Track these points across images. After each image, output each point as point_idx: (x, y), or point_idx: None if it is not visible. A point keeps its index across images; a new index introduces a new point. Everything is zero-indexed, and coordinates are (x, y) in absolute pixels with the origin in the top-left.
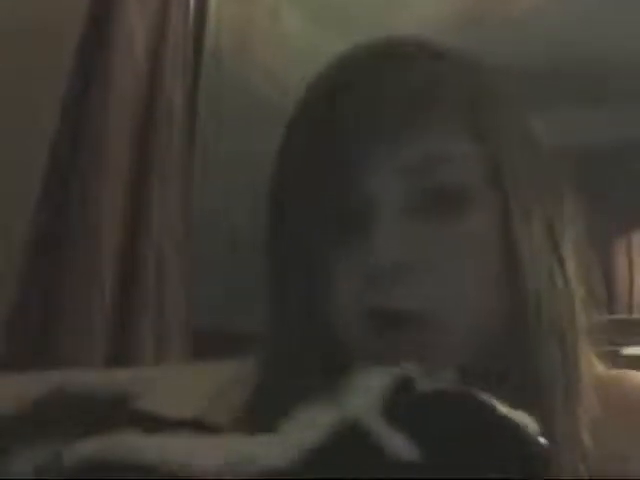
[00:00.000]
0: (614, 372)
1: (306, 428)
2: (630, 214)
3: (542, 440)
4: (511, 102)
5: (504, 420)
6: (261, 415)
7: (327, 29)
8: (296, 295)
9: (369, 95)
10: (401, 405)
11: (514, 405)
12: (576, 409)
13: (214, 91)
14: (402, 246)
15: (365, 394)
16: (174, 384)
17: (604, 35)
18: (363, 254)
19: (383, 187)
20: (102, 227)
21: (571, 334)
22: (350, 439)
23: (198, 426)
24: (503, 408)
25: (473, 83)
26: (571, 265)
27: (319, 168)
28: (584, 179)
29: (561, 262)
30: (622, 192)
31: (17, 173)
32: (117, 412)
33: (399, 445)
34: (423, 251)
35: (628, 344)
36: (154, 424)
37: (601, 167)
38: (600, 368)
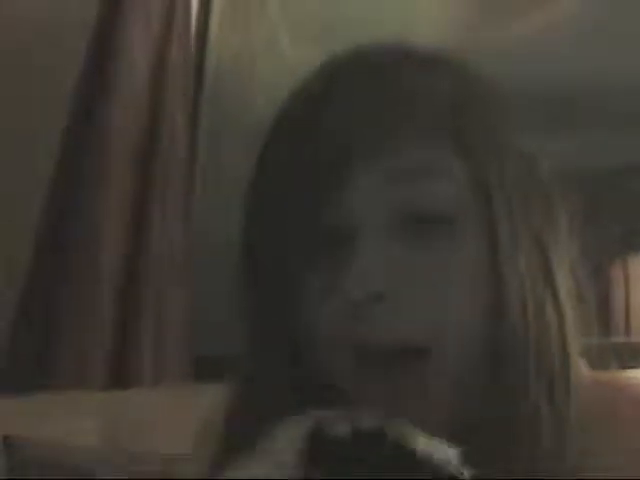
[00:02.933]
0: (604, 376)
1: None
2: (627, 236)
3: (459, 472)
4: (502, 115)
5: (417, 456)
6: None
7: (327, 49)
8: (271, 321)
9: (350, 106)
10: (316, 455)
11: (498, 442)
12: (565, 442)
13: (215, 114)
14: (384, 274)
15: (276, 456)
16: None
17: (602, 58)
18: (343, 281)
19: (364, 203)
20: (103, 246)
21: (562, 363)
22: None
23: None
24: (422, 442)
25: (460, 94)
26: (564, 289)
27: (296, 183)
28: (582, 201)
29: (553, 288)
30: (619, 214)
31: (16, 173)
32: None
33: None
34: (406, 279)
35: (625, 367)
36: None
37: (598, 189)
38: (585, 371)
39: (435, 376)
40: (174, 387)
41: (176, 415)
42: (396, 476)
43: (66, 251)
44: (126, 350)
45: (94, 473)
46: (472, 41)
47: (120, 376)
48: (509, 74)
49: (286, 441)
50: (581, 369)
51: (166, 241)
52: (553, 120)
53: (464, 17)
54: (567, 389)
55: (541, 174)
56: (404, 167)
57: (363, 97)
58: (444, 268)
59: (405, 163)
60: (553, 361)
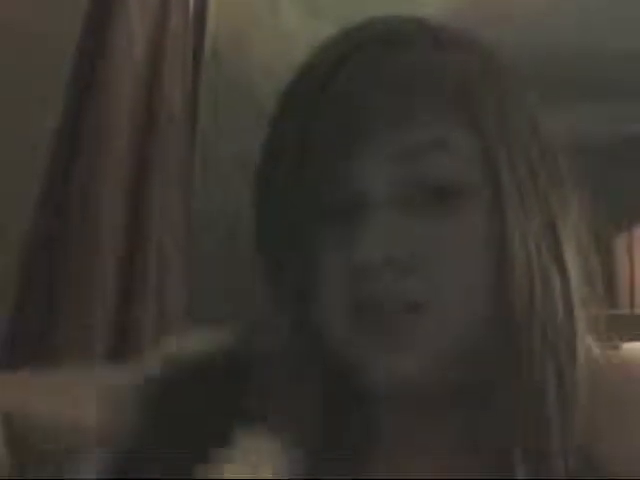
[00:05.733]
0: (615, 358)
1: None
2: (631, 210)
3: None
4: (516, 92)
5: None
6: None
7: (327, 26)
8: (282, 291)
9: (361, 80)
10: None
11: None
12: (572, 416)
13: (214, 91)
14: (391, 241)
15: None
16: None
17: (604, 32)
18: (351, 248)
19: (372, 176)
20: (103, 226)
21: (568, 339)
22: None
23: None
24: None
25: (474, 71)
26: (573, 266)
27: (306, 157)
28: (584, 175)
29: (561, 264)
30: (623, 187)
31: (17, 173)
32: None
33: None
34: (412, 246)
35: (629, 340)
36: None
37: (601, 162)
38: (596, 352)
39: (431, 331)
40: None
41: None
42: None
43: (65, 220)
44: (127, 318)
45: (92, 453)
46: (473, 9)
47: (121, 351)
48: (512, 44)
49: None
50: (588, 342)
51: (166, 212)
52: (555, 91)
53: None
54: (573, 360)
55: (550, 148)
56: (414, 140)
57: (374, 72)
58: (451, 236)
59: (415, 136)
60: (559, 333)
